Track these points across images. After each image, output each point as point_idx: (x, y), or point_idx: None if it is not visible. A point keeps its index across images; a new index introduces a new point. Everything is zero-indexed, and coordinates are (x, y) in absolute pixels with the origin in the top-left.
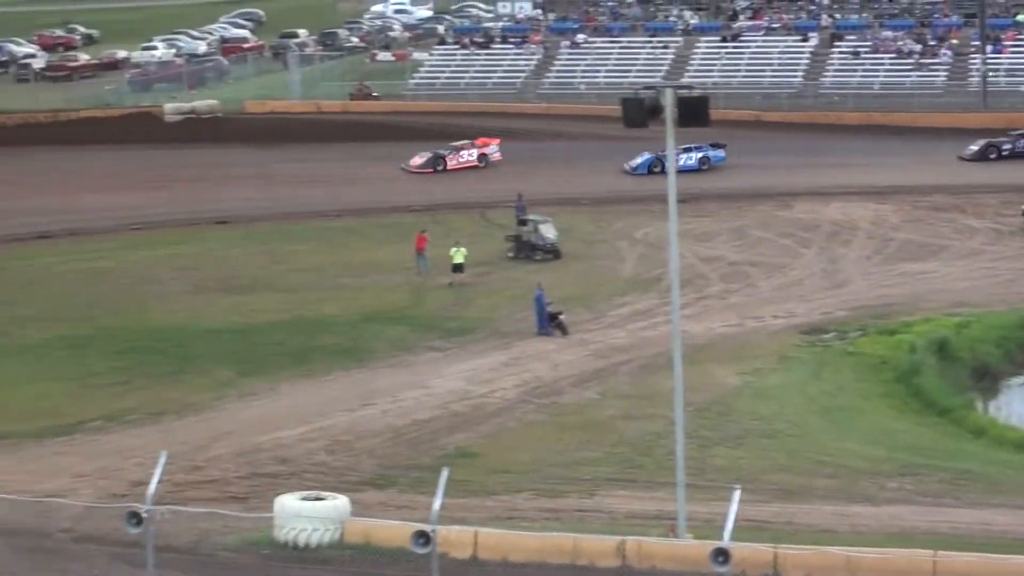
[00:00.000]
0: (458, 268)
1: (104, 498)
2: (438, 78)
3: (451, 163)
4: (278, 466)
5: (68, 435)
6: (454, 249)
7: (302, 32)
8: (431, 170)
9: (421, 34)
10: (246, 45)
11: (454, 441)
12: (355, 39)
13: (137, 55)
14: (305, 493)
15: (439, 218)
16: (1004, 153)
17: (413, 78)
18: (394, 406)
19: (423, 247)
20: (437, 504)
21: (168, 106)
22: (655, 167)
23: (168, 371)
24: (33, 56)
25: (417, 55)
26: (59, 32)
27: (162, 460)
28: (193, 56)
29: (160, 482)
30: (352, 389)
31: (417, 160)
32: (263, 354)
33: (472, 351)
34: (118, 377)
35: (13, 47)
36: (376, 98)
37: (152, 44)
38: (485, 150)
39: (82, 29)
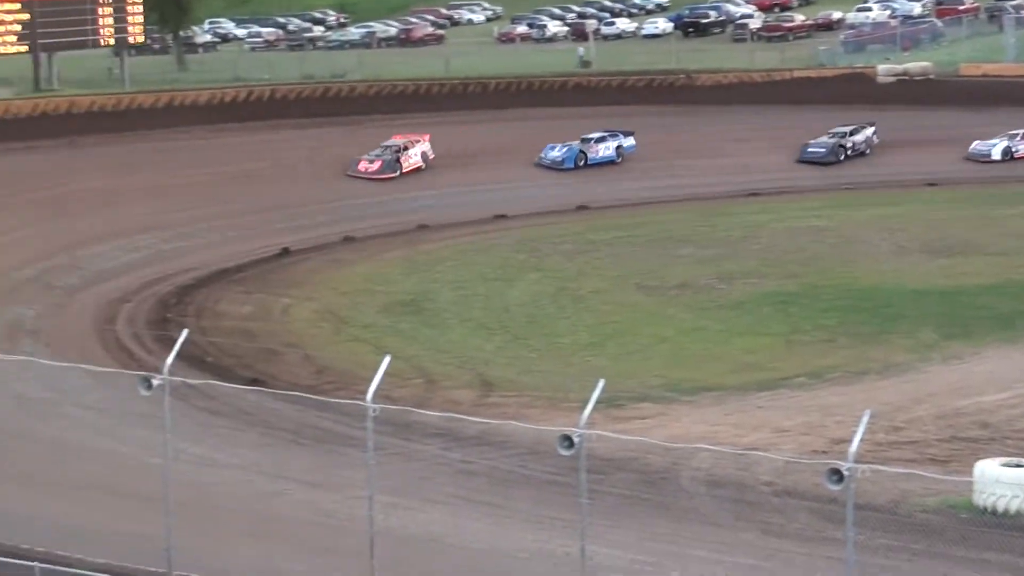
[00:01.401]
0: None
1: (804, 454)
2: None
3: (404, 165)
4: (979, 431)
5: (771, 390)
6: None
7: None
8: (392, 174)
9: None
10: (961, 7)
11: None
12: None
13: (852, 16)
14: (1007, 459)
15: None
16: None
17: None
18: None
19: None
20: None
21: (881, 67)
22: (580, 160)
23: (872, 331)
24: (750, 16)
25: None
26: None
27: (864, 419)
28: (908, 18)
29: (862, 441)
30: None
31: (367, 165)
32: (969, 317)
33: None
34: (823, 335)
35: (731, 7)
36: None
37: (867, 5)
38: (423, 148)
39: None
